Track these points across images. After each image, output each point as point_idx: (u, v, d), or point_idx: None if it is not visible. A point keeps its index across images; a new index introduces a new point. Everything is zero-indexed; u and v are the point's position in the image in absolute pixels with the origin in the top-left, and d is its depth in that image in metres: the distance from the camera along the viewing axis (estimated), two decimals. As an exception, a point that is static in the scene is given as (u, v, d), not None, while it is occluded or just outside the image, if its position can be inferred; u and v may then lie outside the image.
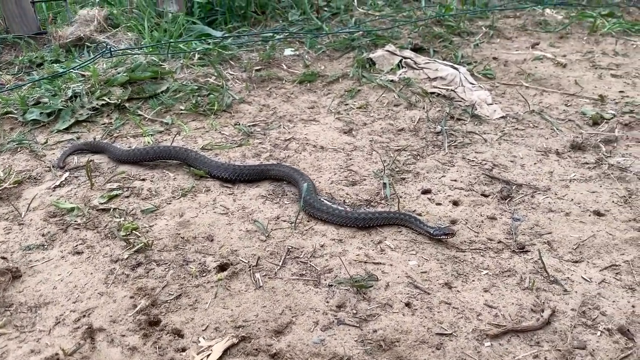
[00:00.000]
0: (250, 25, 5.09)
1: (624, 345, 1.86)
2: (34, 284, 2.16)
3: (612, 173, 2.85)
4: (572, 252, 2.31)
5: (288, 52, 4.56)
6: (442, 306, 2.02)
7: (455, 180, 2.82)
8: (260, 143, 3.25)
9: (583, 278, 2.16)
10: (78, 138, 3.32)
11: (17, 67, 4.26)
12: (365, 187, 2.79)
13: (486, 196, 2.70)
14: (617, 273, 2.18)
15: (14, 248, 2.37)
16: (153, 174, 2.91)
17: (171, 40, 4.38)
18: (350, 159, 3.06)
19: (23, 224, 2.53)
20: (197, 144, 3.23)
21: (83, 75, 3.90)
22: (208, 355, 1.80)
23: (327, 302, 2.05)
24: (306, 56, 4.49)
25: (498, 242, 2.38)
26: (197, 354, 1.81)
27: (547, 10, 5.43)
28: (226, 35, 4.62)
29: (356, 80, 4.08)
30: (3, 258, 2.28)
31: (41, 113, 3.49)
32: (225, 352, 1.82)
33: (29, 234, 2.46)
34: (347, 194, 2.73)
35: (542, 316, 1.96)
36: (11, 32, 4.61)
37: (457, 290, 2.09)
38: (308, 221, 2.52)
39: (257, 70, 4.22)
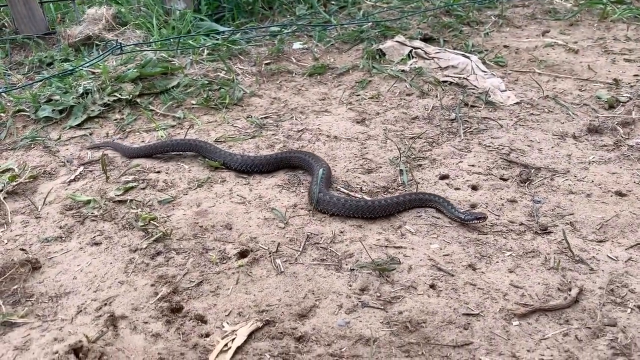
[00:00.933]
0: (258, 20, 5.08)
1: (655, 321, 1.82)
2: (53, 274, 2.14)
3: (631, 154, 2.81)
4: (596, 232, 2.27)
5: (297, 45, 4.54)
6: (467, 287, 1.99)
7: (473, 166, 2.79)
8: (273, 134, 3.23)
9: (609, 257, 2.12)
10: (91, 134, 3.31)
11: (27, 67, 4.26)
12: (381, 175, 2.76)
13: (505, 180, 2.67)
14: (643, 251, 2.15)
15: (32, 240, 2.35)
16: (168, 167, 2.89)
17: (180, 36, 4.37)
18: (365, 148, 3.03)
19: (40, 217, 2.52)
20: (210, 136, 3.22)
21: (93, 73, 3.90)
22: (233, 340, 1.77)
23: (350, 285, 2.02)
24: (315, 49, 4.47)
25: (520, 225, 2.35)
26: (222, 338, 1.79)
27: (556, -1, 5.38)
28: (234, 30, 4.61)
29: (366, 72, 4.06)
30: (22, 250, 2.27)
31: (53, 110, 3.48)
32: (250, 336, 1.80)
33: (47, 226, 2.45)
34: (364, 181, 2.71)
35: (569, 295, 1.93)
36: (20, 32, 4.61)
37: (482, 272, 2.06)
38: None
39: (266, 64, 4.21)
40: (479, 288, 1.98)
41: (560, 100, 3.44)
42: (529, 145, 2.95)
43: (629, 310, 1.87)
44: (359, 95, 3.71)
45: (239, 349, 1.75)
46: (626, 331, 1.79)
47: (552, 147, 2.93)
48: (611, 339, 1.76)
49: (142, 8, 4.92)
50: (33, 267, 2.16)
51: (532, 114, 3.31)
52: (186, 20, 4.60)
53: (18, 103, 3.58)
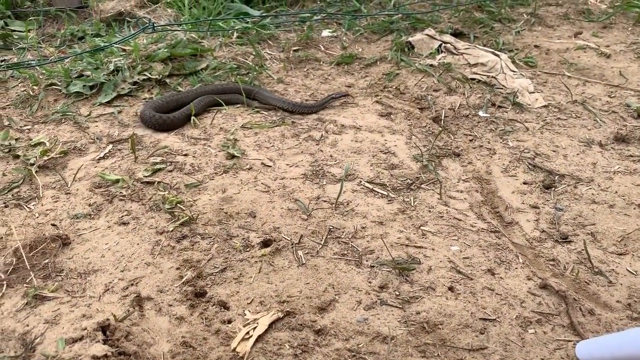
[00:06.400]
0: (288, 5, 5.07)
1: (670, 339, 1.84)
2: (82, 251, 2.22)
3: (658, 167, 2.80)
4: (617, 245, 2.28)
5: (326, 33, 4.54)
6: (485, 292, 2.02)
7: (497, 167, 2.80)
8: (299, 124, 3.26)
9: (628, 270, 2.14)
10: (120, 112, 3.37)
11: (59, 40, 4.32)
12: (404, 171, 2.78)
13: (528, 184, 2.68)
14: (663, 267, 2.16)
15: (63, 216, 2.43)
16: (195, 150, 2.94)
17: (210, 17, 4.39)
18: (389, 142, 3.05)
19: (70, 193, 2.59)
20: (237, 122, 3.25)
21: (124, 50, 3.94)
22: (254, 328, 1.83)
23: (370, 282, 2.07)
24: (344, 38, 4.46)
25: (541, 232, 2.36)
26: (244, 326, 1.85)
27: (591, -1, 5.29)
28: (264, 14, 4.61)
29: (394, 64, 4.05)
30: (53, 225, 2.35)
31: (84, 86, 3.54)
32: (270, 325, 1.86)
33: (76, 203, 2.52)
34: (387, 176, 2.73)
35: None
36: (53, 5, 4.67)
37: (500, 277, 2.09)
38: (348, 203, 2.53)
39: (294, 50, 4.21)
40: (496, 293, 2.01)
41: (589, 106, 3.41)
42: (554, 151, 2.95)
43: (645, 325, 1.89)
44: (385, 87, 3.72)
45: (260, 338, 1.81)
46: (641, 347, 1.81)
47: (578, 154, 2.92)
48: (625, 354, 1.79)
49: (173, -14, 4.93)
50: (63, 242, 2.23)
51: (559, 118, 3.30)
52: (217, 2, 4.61)
53: (50, 77, 3.64)
